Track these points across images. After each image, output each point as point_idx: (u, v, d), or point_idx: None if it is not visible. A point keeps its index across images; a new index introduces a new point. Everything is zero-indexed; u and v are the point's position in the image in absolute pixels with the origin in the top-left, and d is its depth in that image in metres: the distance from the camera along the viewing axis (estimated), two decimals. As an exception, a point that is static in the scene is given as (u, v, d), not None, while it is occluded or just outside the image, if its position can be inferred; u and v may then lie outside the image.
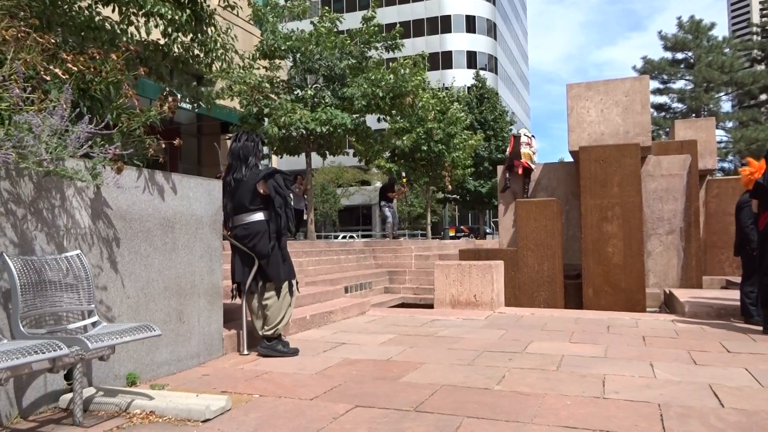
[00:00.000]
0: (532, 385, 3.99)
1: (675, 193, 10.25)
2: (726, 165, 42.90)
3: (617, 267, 9.35)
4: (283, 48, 16.61)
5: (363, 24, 17.50)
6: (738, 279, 10.18)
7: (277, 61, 17.23)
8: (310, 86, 17.19)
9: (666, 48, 44.63)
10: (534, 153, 12.23)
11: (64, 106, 3.40)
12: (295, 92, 17.31)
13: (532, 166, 11.90)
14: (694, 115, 41.75)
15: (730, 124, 43.84)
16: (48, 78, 3.77)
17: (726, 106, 45.92)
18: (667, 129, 37.36)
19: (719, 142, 40.74)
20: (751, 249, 6.56)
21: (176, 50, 7.79)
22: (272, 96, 16.75)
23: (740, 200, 6.95)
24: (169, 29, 7.38)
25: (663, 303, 9.58)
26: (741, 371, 4.33)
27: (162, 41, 7.66)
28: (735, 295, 8.02)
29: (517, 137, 12.47)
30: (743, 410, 3.37)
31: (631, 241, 9.35)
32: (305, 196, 16.63)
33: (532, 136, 12.55)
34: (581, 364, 4.65)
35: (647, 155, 10.34)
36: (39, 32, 4.14)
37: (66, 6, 6.42)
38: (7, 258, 3.08)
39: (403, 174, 19.16)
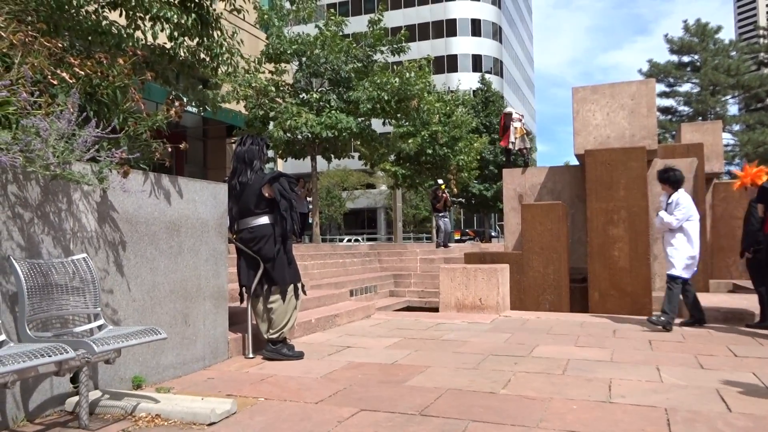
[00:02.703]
0: (537, 389, 3.98)
1: (681, 196, 10.19)
2: (733, 168, 42.70)
3: (623, 270, 9.31)
4: (288, 52, 16.67)
5: (369, 27, 17.53)
6: (745, 282, 10.13)
7: (282, 64, 17.28)
8: (315, 90, 17.23)
9: (672, 51, 44.55)
10: (525, 131, 13.01)
11: (71, 110, 3.41)
12: (301, 96, 17.35)
13: (519, 146, 12.80)
14: (700, 118, 41.63)
15: (736, 128, 43.69)
16: (55, 82, 3.79)
17: (733, 109, 45.83)
18: (674, 132, 37.23)
19: (726, 146, 40.63)
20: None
21: (182, 54, 7.81)
22: (278, 100, 16.80)
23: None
24: (176, 33, 7.41)
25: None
26: (748, 376, 4.31)
27: (168, 45, 7.68)
28: (741, 299, 7.98)
29: (508, 114, 12.97)
30: (751, 415, 3.35)
31: (637, 244, 9.31)
32: (309, 199, 16.65)
33: (521, 116, 13.24)
34: (587, 368, 4.63)
35: (653, 158, 10.30)
36: (46, 37, 4.16)
37: (73, 10, 6.45)
38: (14, 261, 3.10)
39: (440, 181, 19.39)
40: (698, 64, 43.69)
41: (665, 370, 4.52)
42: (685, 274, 6.62)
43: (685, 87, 44.63)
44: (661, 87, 44.09)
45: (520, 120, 13.02)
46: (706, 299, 8.24)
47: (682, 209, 6.61)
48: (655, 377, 4.29)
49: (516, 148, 12.92)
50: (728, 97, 43.96)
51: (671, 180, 6.76)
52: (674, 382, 4.12)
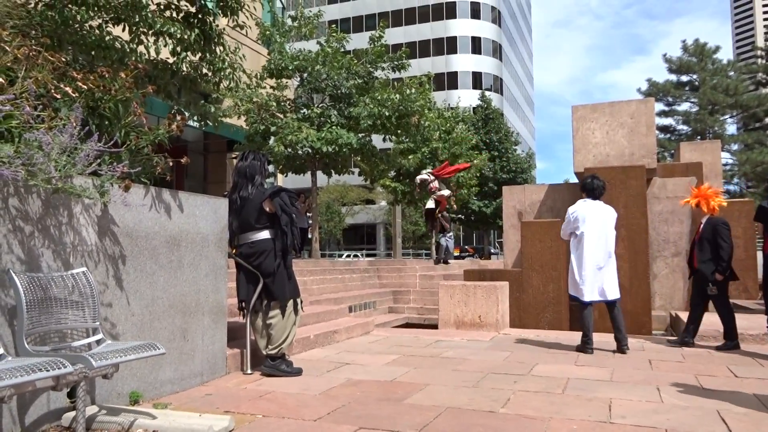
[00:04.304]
0: (537, 408, 3.95)
1: (680, 215, 10.21)
2: (732, 188, 42.81)
3: (623, 289, 9.26)
4: (290, 67, 16.76)
5: (370, 44, 17.66)
6: (744, 302, 10.10)
7: (284, 80, 17.38)
8: (316, 105, 17.30)
9: (671, 70, 44.83)
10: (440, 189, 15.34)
11: (74, 124, 3.42)
12: (302, 111, 17.43)
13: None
14: (699, 137, 41.79)
15: (735, 147, 43.84)
16: (58, 96, 3.81)
17: (731, 128, 46.01)
18: (673, 151, 37.37)
19: (725, 165, 40.77)
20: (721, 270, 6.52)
21: (185, 69, 7.86)
22: (279, 115, 16.87)
23: (717, 222, 6.67)
24: (178, 48, 7.46)
25: (669, 326, 9.51)
26: (749, 397, 4.28)
27: (171, 60, 7.73)
28: (741, 318, 7.94)
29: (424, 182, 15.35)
30: (752, 437, 3.33)
31: (636, 263, 9.31)
32: (309, 214, 16.66)
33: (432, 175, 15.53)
34: (587, 387, 4.60)
35: (653, 177, 10.33)
36: (50, 51, 4.19)
37: (77, 25, 6.49)
38: (13, 275, 3.09)
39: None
40: (697, 83, 43.95)
41: (665, 390, 4.50)
42: (576, 293, 6.42)
43: (684, 106, 44.90)
44: (660, 106, 44.35)
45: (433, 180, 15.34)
46: (705, 319, 8.20)
47: (564, 220, 6.50)
48: (655, 397, 4.26)
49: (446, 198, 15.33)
50: (727, 116, 44.18)
51: (585, 188, 6.52)
52: (675, 403, 4.10)
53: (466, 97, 51.16)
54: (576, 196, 11.08)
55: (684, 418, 3.71)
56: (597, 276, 6.31)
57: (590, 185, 6.48)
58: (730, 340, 6.54)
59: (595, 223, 6.33)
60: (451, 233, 18.15)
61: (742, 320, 7.33)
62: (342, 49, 17.83)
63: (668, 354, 6.22)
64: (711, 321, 7.88)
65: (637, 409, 3.94)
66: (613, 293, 6.38)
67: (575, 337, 7.46)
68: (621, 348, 6.28)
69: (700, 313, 6.81)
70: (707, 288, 6.62)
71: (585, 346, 6.34)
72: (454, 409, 3.93)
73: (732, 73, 43.42)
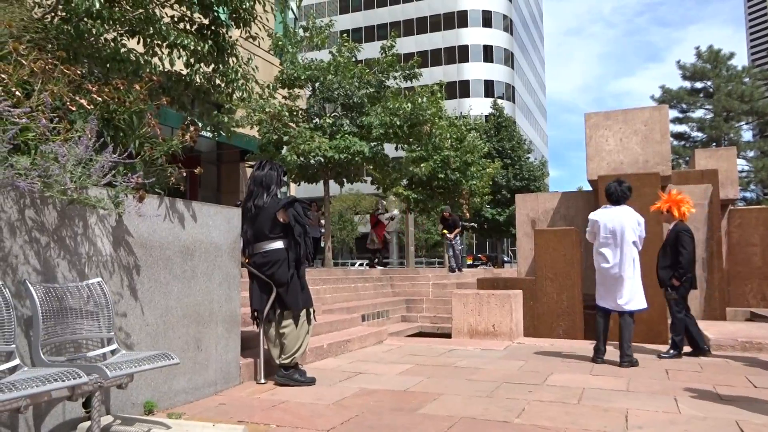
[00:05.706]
0: (552, 418, 3.91)
1: (696, 222, 10.11)
2: (748, 195, 42.39)
3: (638, 297, 9.20)
4: (302, 77, 16.86)
5: (382, 53, 17.74)
6: (762, 311, 9.97)
7: (296, 90, 17.48)
8: (328, 115, 17.37)
9: (684, 77, 44.50)
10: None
11: (89, 135, 3.45)
12: (314, 121, 17.51)
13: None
14: (714, 144, 41.41)
15: (751, 154, 43.40)
16: (74, 108, 3.84)
17: (747, 135, 45.53)
18: (687, 158, 37.11)
19: (740, 172, 40.32)
20: (679, 276, 6.48)
21: (198, 80, 7.91)
22: (291, 124, 16.96)
23: (680, 229, 6.66)
24: (192, 60, 7.51)
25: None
26: (768, 407, 4.22)
27: (184, 72, 7.79)
28: (760, 327, 7.84)
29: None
30: (772, 448, 3.27)
31: (651, 271, 9.21)
32: (322, 221, 16.73)
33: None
34: (603, 397, 4.56)
35: (667, 185, 10.25)
36: (66, 64, 4.23)
37: (92, 39, 6.56)
38: (29, 285, 3.11)
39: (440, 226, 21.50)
40: (711, 90, 43.58)
41: (683, 400, 4.44)
42: (597, 299, 6.38)
43: (699, 113, 44.49)
44: (674, 113, 44.02)
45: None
46: (723, 328, 8.11)
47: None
48: (672, 408, 4.21)
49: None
50: (742, 123, 43.77)
51: (606, 193, 6.36)
52: (692, 414, 4.04)
53: (478, 106, 51.18)
54: (588, 204, 11.03)
55: (702, 429, 3.66)
56: (613, 284, 6.20)
57: (607, 190, 6.34)
58: (674, 348, 6.52)
59: (610, 229, 6.21)
60: (457, 239, 18.22)
61: (759, 329, 7.23)
62: (354, 59, 17.92)
63: (685, 363, 6.15)
64: (729, 330, 7.79)
65: (655, 419, 3.89)
66: (632, 304, 6.20)
67: (590, 347, 7.40)
68: (619, 362, 6.04)
69: (692, 320, 6.71)
70: (667, 293, 6.65)
71: (594, 355, 6.28)
72: (469, 419, 3.90)
73: (747, 80, 43.01)
